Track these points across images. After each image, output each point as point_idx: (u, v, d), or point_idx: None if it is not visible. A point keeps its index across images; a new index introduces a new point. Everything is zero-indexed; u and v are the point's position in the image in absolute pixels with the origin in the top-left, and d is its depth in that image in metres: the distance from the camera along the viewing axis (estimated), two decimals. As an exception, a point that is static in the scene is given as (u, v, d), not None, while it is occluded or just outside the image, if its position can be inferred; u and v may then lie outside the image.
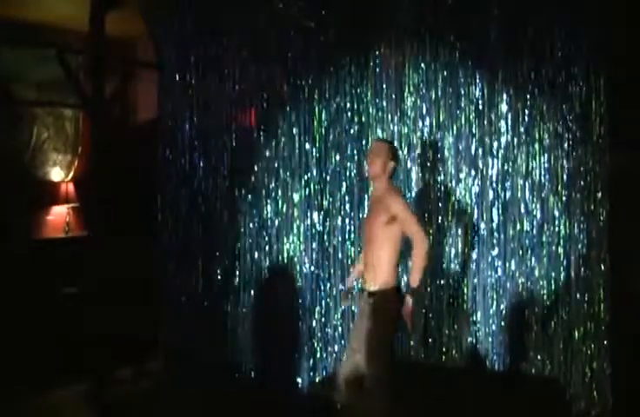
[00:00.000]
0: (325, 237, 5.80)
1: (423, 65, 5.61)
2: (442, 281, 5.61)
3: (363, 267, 4.66)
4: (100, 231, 6.56)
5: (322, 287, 5.78)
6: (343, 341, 5.75)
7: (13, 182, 7.45)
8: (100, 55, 6.54)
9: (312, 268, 5.76)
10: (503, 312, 5.42)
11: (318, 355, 5.77)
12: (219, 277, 5.96)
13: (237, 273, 5.91)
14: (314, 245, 5.77)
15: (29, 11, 7.05)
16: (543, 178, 5.32)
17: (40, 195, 7.79)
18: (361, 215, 5.82)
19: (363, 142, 5.78)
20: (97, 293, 6.31)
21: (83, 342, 6.19)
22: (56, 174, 7.98)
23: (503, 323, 5.44)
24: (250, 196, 5.81)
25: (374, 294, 4.44)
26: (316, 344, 5.76)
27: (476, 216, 5.48)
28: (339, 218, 5.82)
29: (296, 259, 5.73)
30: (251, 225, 5.83)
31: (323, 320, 5.79)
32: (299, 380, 5.65)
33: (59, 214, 7.94)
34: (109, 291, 6.31)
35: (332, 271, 5.80)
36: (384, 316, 4.41)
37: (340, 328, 5.84)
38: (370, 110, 5.77)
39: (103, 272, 6.36)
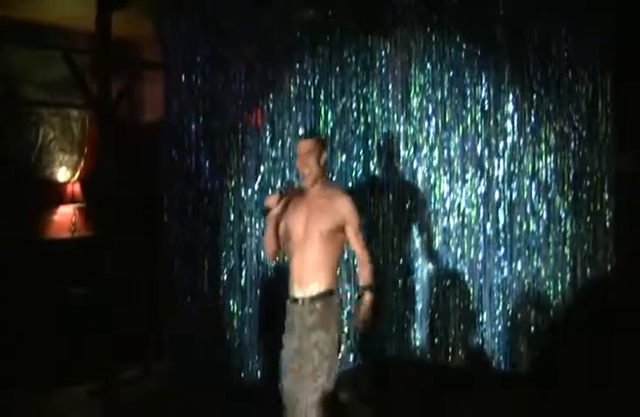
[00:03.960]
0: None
1: (429, 65, 5.69)
2: (447, 282, 5.67)
3: (293, 271, 4.32)
4: (106, 231, 6.66)
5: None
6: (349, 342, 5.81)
7: (20, 182, 7.55)
8: (106, 55, 6.66)
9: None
10: (509, 312, 5.48)
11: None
12: (225, 277, 6.05)
13: (244, 273, 6.01)
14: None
15: (35, 12, 7.17)
16: (549, 178, 5.38)
17: (46, 196, 7.89)
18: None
19: (369, 143, 5.85)
20: (104, 293, 6.41)
21: (90, 342, 6.28)
22: (63, 174, 8.10)
23: (509, 324, 5.49)
24: (255, 196, 5.89)
25: (318, 299, 4.19)
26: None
27: (482, 217, 5.53)
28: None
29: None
30: (257, 225, 5.93)
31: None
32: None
33: (65, 214, 8.04)
34: (115, 291, 6.41)
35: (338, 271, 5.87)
36: (335, 323, 4.23)
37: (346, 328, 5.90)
38: (376, 111, 5.86)
39: (110, 272, 6.45)
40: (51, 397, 6.02)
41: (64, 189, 8.08)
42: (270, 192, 5.87)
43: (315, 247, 4.22)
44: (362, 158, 5.89)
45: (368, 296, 4.24)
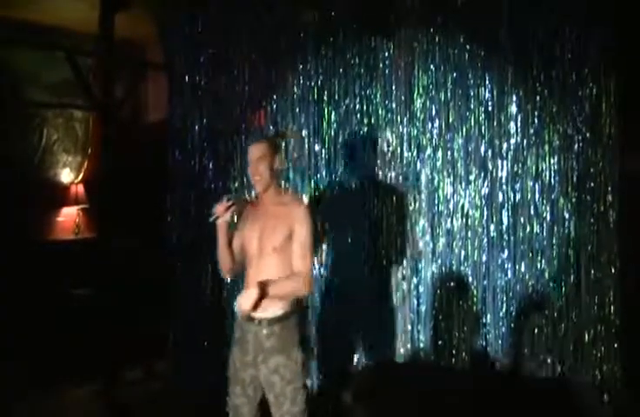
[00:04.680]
0: (333, 238, 5.89)
1: (432, 67, 5.71)
2: (451, 284, 5.69)
3: (248, 288, 3.84)
4: (109, 232, 6.70)
5: (333, 289, 5.87)
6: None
7: (23, 183, 7.59)
8: (110, 56, 6.69)
9: (322, 270, 5.87)
10: (513, 314, 5.50)
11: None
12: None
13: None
14: (324, 247, 5.87)
15: (39, 14, 7.22)
16: (552, 180, 5.42)
17: (50, 197, 7.93)
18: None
19: (373, 144, 5.87)
20: (106, 294, 6.44)
21: (93, 343, 6.31)
22: (66, 175, 8.13)
23: (512, 325, 5.51)
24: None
25: (276, 322, 3.86)
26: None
27: (485, 218, 5.55)
28: (345, 220, 5.90)
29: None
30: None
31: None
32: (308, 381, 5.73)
33: (69, 215, 8.08)
34: (118, 292, 6.44)
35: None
36: (297, 345, 3.92)
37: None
38: (380, 112, 5.88)
39: (113, 273, 6.48)
40: (53, 397, 6.04)
41: (68, 191, 8.12)
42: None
43: (270, 263, 3.91)
44: (365, 159, 5.90)
45: (254, 288, 3.67)
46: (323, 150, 5.89)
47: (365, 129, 5.91)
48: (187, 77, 6.26)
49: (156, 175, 6.55)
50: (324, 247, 5.91)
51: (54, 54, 7.28)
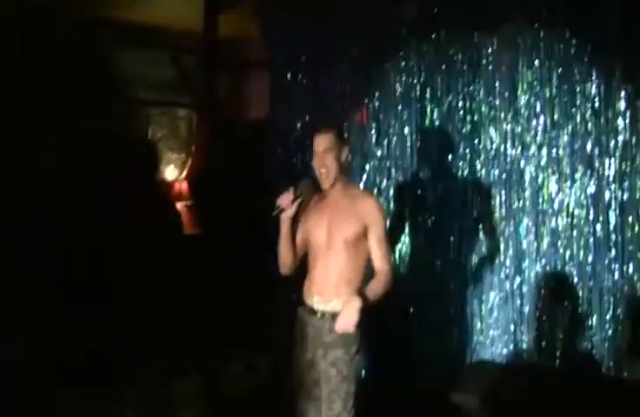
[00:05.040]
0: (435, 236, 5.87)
1: (536, 62, 5.60)
2: (556, 284, 5.60)
3: (313, 281, 3.87)
4: (213, 229, 6.80)
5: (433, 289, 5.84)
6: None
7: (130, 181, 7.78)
8: (213, 56, 6.79)
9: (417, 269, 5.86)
10: (620, 317, 5.38)
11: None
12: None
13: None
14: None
15: (143, 14, 7.36)
16: (662, 178, 5.27)
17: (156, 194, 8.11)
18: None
19: (476, 142, 5.82)
20: (211, 289, 6.54)
21: (195, 337, 6.42)
22: (171, 172, 8.29)
23: (620, 328, 5.39)
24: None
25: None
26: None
27: (591, 218, 5.44)
28: (449, 217, 5.87)
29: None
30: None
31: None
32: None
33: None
34: (222, 287, 6.53)
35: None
36: (356, 342, 3.77)
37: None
38: (483, 109, 5.81)
39: (217, 269, 6.58)
40: (163, 389, 6.17)
41: (172, 187, 8.29)
42: (375, 191, 5.90)
43: (340, 257, 3.76)
44: (468, 157, 5.86)
45: (355, 302, 3.49)
46: (426, 148, 5.86)
47: (468, 126, 5.85)
48: (289, 75, 6.31)
49: (257, 173, 6.63)
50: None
51: (159, 54, 7.44)
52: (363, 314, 3.50)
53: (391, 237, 5.64)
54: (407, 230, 5.90)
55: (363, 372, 5.82)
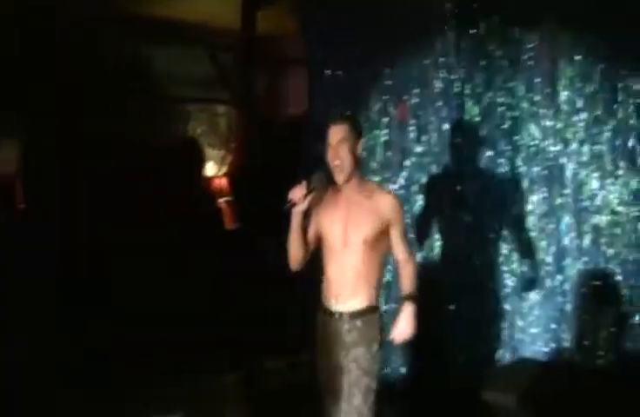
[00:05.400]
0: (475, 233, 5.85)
1: (578, 58, 5.55)
2: (598, 282, 5.56)
3: (330, 281, 3.77)
4: (252, 225, 6.84)
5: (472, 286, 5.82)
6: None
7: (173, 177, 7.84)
8: (250, 52, 6.82)
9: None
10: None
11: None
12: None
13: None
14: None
15: (181, 11, 7.39)
16: None
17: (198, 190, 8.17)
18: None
19: (516, 138, 5.78)
20: (255, 285, 6.56)
21: (236, 332, 6.45)
22: (211, 168, 8.34)
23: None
24: (402, 191, 5.89)
25: (358, 316, 3.67)
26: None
27: (634, 215, 5.40)
28: (490, 214, 5.83)
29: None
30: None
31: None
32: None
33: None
34: (263, 283, 6.55)
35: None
36: (377, 341, 3.72)
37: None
38: (523, 105, 5.77)
39: (254, 265, 6.61)
40: (204, 383, 6.22)
41: (212, 183, 8.33)
42: (414, 188, 5.88)
43: (357, 256, 3.65)
44: (508, 154, 5.82)
45: (409, 307, 3.62)
46: (465, 145, 5.83)
47: (508, 122, 5.82)
48: (327, 72, 6.31)
49: (295, 169, 6.65)
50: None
51: (197, 51, 7.46)
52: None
53: (422, 233, 5.68)
54: (446, 227, 5.87)
55: (403, 369, 5.85)
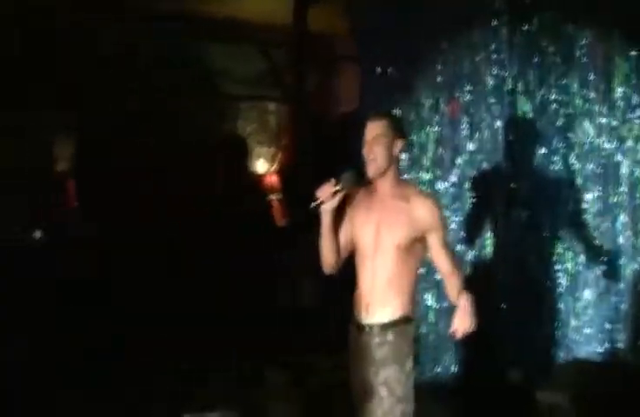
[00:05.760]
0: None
1: (633, 53, 5.48)
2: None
3: (360, 290, 3.57)
4: (300, 222, 6.86)
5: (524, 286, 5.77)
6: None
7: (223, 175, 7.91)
8: (302, 50, 6.83)
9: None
10: None
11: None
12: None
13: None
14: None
15: (233, 9, 7.44)
16: None
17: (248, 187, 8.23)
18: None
19: (570, 135, 5.72)
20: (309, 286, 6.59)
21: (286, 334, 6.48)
22: (261, 166, 8.38)
23: None
24: (452, 190, 5.87)
25: (390, 328, 3.44)
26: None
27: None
28: (543, 212, 5.78)
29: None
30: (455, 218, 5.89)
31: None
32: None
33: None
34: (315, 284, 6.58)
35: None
36: (410, 357, 3.48)
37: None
38: (577, 102, 5.70)
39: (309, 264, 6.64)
40: (256, 383, 6.26)
41: (263, 180, 8.37)
42: (466, 186, 5.85)
43: (389, 262, 3.45)
44: (562, 151, 5.76)
45: (463, 300, 3.32)
46: (518, 142, 5.78)
47: (562, 119, 5.76)
48: (378, 69, 6.30)
49: (345, 167, 6.65)
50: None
51: (248, 48, 7.50)
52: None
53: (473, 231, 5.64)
54: (499, 225, 5.83)
55: (454, 368, 5.83)
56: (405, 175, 6.03)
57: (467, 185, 5.86)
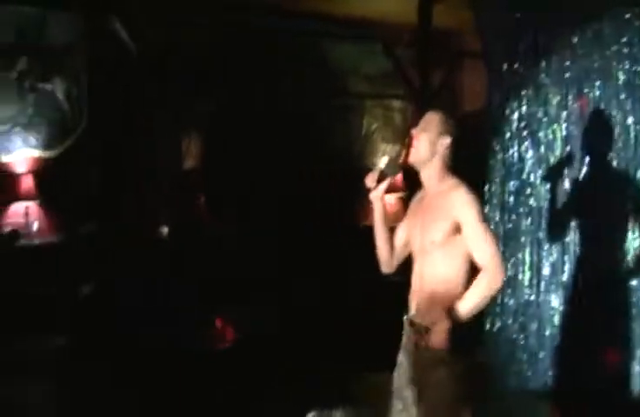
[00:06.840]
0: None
1: None
2: None
3: (411, 291, 3.60)
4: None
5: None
6: None
7: (344, 171, 7.98)
8: (427, 47, 6.83)
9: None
10: None
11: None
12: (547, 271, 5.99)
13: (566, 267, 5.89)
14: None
15: (359, 8, 7.50)
16: None
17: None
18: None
19: None
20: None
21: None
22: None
23: None
24: (582, 188, 5.73)
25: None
26: None
27: None
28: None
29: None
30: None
31: None
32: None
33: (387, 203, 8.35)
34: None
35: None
36: (460, 359, 3.35)
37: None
38: None
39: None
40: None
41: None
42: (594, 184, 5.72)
43: (431, 260, 3.45)
44: None
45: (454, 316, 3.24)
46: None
47: (698, 116, 5.55)
48: (505, 65, 6.23)
49: (473, 165, 6.61)
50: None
51: (373, 46, 7.54)
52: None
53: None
54: (627, 226, 5.64)
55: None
56: (531, 175, 5.97)
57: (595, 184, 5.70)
